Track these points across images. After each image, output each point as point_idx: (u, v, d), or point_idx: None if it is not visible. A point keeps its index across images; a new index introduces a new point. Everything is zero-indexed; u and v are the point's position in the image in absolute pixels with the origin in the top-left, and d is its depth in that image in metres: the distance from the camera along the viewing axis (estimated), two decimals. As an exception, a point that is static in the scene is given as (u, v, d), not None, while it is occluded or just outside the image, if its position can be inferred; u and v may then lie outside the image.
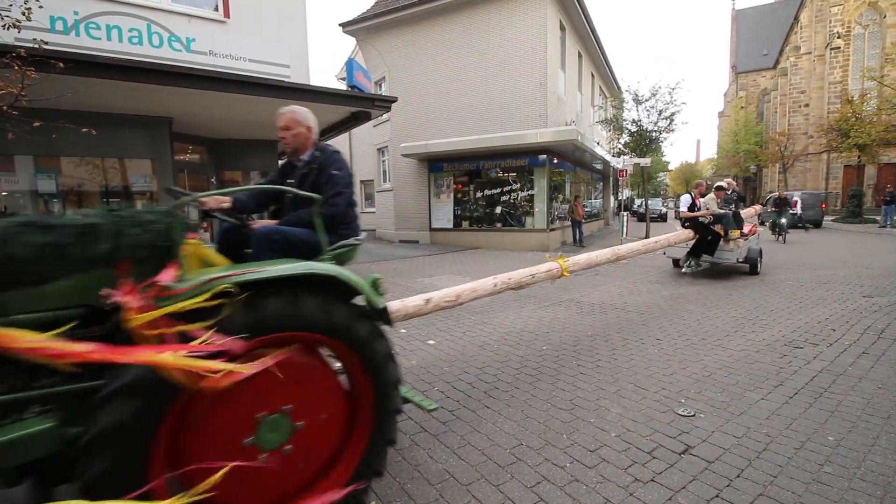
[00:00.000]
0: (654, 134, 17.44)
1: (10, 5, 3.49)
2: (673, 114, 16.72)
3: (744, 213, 9.91)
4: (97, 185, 7.64)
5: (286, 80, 6.69)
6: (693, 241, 8.19)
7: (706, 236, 8.06)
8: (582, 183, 19.64)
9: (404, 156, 15.86)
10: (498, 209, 14.91)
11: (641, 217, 23.53)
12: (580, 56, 18.50)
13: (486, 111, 14.75)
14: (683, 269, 8.49)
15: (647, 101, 16.73)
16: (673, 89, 16.44)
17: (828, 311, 5.94)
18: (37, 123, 3.59)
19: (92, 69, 5.05)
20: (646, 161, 16.39)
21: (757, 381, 3.73)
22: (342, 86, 15.50)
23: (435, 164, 15.92)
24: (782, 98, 36.53)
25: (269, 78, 6.49)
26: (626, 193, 18.91)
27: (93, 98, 6.22)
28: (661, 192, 61.42)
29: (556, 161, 14.65)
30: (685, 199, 8.45)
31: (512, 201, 14.67)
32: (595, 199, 23.32)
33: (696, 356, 4.37)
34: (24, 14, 3.46)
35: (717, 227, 8.20)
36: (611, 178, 24.18)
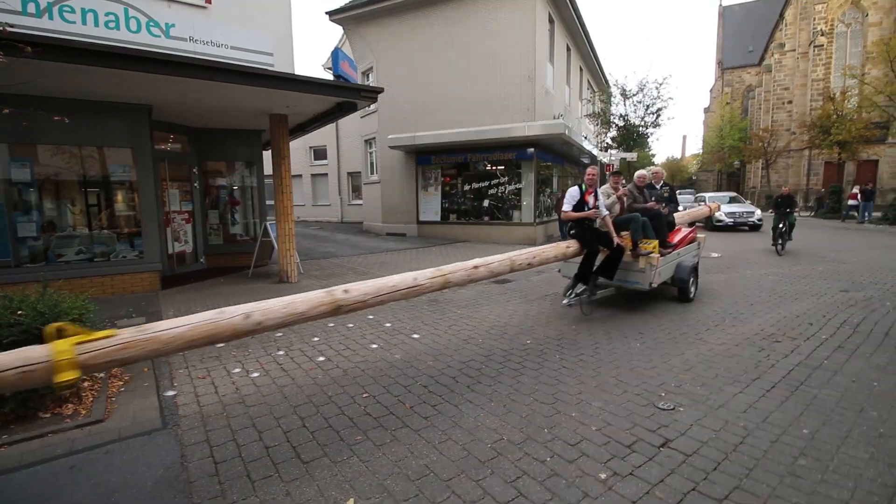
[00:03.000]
0: (641, 129, 17.56)
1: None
2: (660, 109, 16.85)
3: (688, 214, 8.15)
4: (75, 174, 7.41)
5: (269, 68, 6.54)
6: (582, 259, 5.52)
7: (594, 249, 5.41)
8: (569, 177, 19.70)
9: (392, 147, 15.71)
10: (486, 202, 14.88)
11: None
12: (569, 49, 18.45)
13: (475, 104, 14.65)
14: (566, 302, 5.69)
15: (634, 95, 16.81)
16: (660, 84, 16.55)
17: (806, 306, 6.07)
18: (6, 111, 3.43)
19: (65, 54, 4.85)
20: (632, 156, 16.51)
21: (735, 375, 3.79)
22: (329, 76, 15.25)
23: (423, 156, 15.80)
24: (766, 95, 37.02)
25: (252, 66, 6.33)
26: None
27: (68, 84, 6.00)
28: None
29: (543, 155, 14.64)
30: (572, 194, 5.54)
31: (499, 195, 14.65)
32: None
33: (677, 350, 4.43)
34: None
35: (621, 238, 5.70)
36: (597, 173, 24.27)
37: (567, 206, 5.57)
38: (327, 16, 16.79)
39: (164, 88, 6.25)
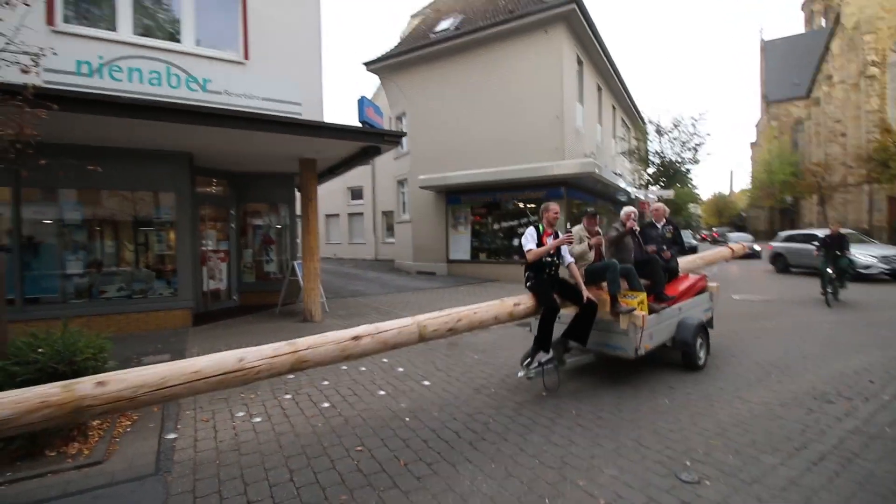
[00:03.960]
0: (678, 165, 17.08)
1: (32, 55, 3.70)
2: (697, 145, 16.37)
3: (702, 257, 6.82)
4: (121, 216, 7.94)
5: (297, 116, 6.89)
6: (539, 319, 4.39)
7: (552, 305, 4.24)
8: (603, 215, 19.27)
9: (423, 188, 16.01)
10: (515, 241, 14.70)
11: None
12: (599, 89, 18.50)
13: (504, 144, 14.81)
14: (522, 375, 4.41)
15: (669, 132, 16.47)
16: (696, 121, 16.16)
17: (868, 360, 5.41)
18: (43, 161, 3.73)
19: (108, 109, 5.30)
20: (668, 193, 15.97)
21: (776, 442, 3.34)
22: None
23: (453, 195, 15.97)
24: (817, 128, 35.41)
25: (281, 115, 6.70)
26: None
27: (116, 135, 6.53)
28: (693, 224, 59.80)
29: (575, 193, 14.43)
30: (530, 233, 4.45)
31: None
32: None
33: (710, 409, 4.00)
34: (32, 60, 3.65)
35: (593, 289, 4.61)
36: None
37: (532, 245, 4.36)
38: (364, 66, 17.77)
39: (203, 137, 6.68)
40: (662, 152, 17.26)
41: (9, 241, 6.69)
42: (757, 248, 21.34)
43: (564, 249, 4.56)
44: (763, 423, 3.69)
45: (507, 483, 2.84)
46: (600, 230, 5.09)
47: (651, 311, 4.58)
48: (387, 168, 21.40)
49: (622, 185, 16.74)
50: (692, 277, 5.78)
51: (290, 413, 4.07)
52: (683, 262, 6.29)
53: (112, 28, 6.97)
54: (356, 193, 26.72)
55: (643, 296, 4.52)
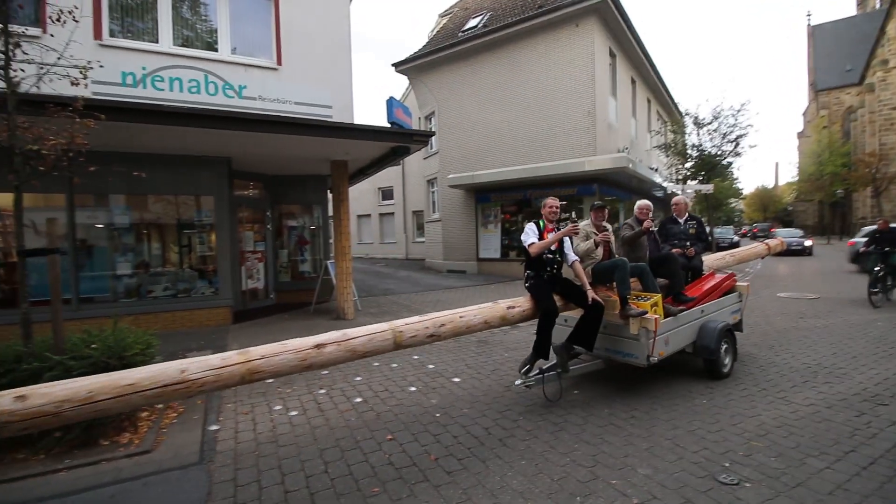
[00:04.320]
0: (718, 158, 16.41)
1: (81, 68, 3.96)
2: (739, 137, 15.68)
3: (736, 254, 6.27)
4: (166, 219, 8.37)
5: (328, 119, 7.06)
6: (538, 323, 4.08)
7: (550, 308, 3.94)
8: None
9: (452, 187, 16.05)
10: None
11: (709, 246, 22.00)
12: (633, 82, 18.01)
13: (534, 141, 14.65)
14: (519, 383, 4.17)
15: (708, 124, 15.85)
16: (738, 111, 15.47)
17: (926, 361, 5.05)
18: (92, 168, 3.98)
19: (152, 117, 5.61)
20: (708, 188, 15.37)
21: (823, 445, 3.17)
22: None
23: (482, 194, 15.93)
24: (871, 116, 33.18)
25: (312, 118, 6.88)
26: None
27: (158, 142, 6.88)
28: (735, 220, 57.26)
29: (608, 189, 14.11)
30: (531, 229, 4.23)
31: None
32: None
33: (752, 410, 3.84)
34: (81, 72, 3.90)
35: (602, 290, 4.30)
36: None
37: (534, 239, 4.12)
38: (393, 67, 17.97)
39: (239, 142, 6.96)
40: (701, 145, 16.61)
41: (64, 244, 7.17)
42: (808, 243, 20.53)
43: (568, 247, 4.27)
44: (809, 425, 3.51)
45: (538, 480, 2.82)
46: (608, 225, 4.67)
47: (667, 314, 4.24)
48: (416, 168, 21.59)
49: (658, 180, 16.24)
50: (718, 276, 5.31)
51: (324, 408, 4.19)
52: (711, 259, 5.90)
53: (154, 40, 7.35)
54: (387, 194, 27.07)
55: (658, 297, 4.17)
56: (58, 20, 3.95)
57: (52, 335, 3.85)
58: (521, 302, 3.99)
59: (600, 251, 4.50)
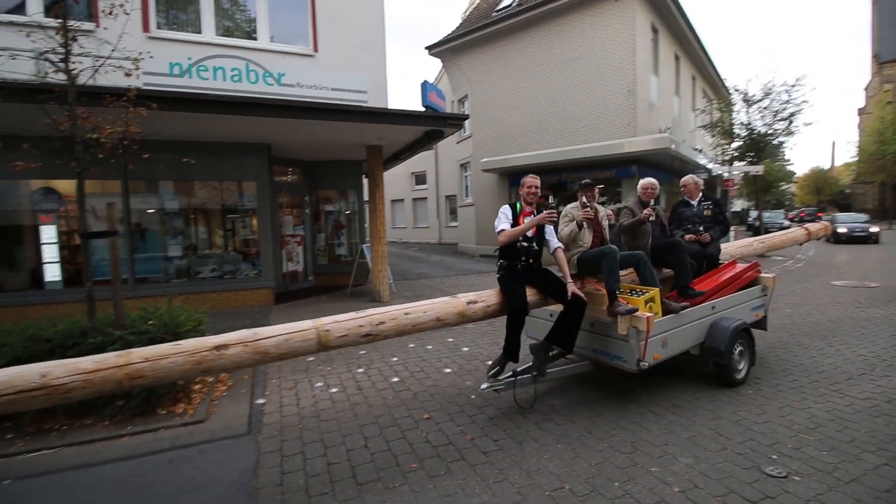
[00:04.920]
0: (769, 138, 15.43)
1: (133, 60, 4.15)
2: (792, 114, 14.67)
3: (766, 241, 5.64)
4: (211, 204, 8.74)
5: (363, 104, 7.12)
6: (507, 321, 3.57)
7: (520, 304, 3.45)
8: (680, 194, 18.01)
9: (485, 171, 15.89)
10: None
11: (758, 231, 20.87)
12: (677, 58, 17.10)
13: (570, 122, 14.25)
14: (485, 387, 3.63)
15: (759, 101, 14.89)
16: (791, 87, 14.45)
17: None
18: (146, 155, 4.19)
19: (199, 106, 5.83)
20: (757, 169, 14.53)
21: (881, 441, 3.01)
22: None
23: (516, 178, 15.67)
24: (947, 88, 30.17)
25: (348, 104, 6.95)
26: (737, 205, 16.91)
27: (205, 130, 7.14)
28: (786, 203, 53.98)
29: (648, 171, 13.60)
30: (504, 213, 3.75)
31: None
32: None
33: (803, 402, 3.67)
34: (133, 64, 4.09)
35: (591, 282, 3.92)
36: (718, 189, 21.88)
37: (506, 224, 3.64)
38: (426, 50, 17.80)
39: (279, 128, 7.13)
40: (750, 124, 15.65)
41: (121, 227, 7.63)
42: (874, 229, 19.36)
43: (550, 232, 3.76)
44: (865, 419, 3.33)
45: (575, 464, 2.82)
46: (599, 206, 4.10)
47: (668, 311, 3.71)
48: (449, 152, 21.48)
49: (702, 161, 15.50)
50: (739, 266, 4.65)
51: (362, 386, 4.32)
52: (735, 246, 5.29)
53: (197, 31, 7.59)
54: (420, 178, 27.13)
55: (654, 292, 3.62)
56: (110, 13, 4.12)
57: (113, 312, 4.14)
58: (486, 296, 3.50)
59: (588, 237, 3.91)
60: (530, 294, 3.57)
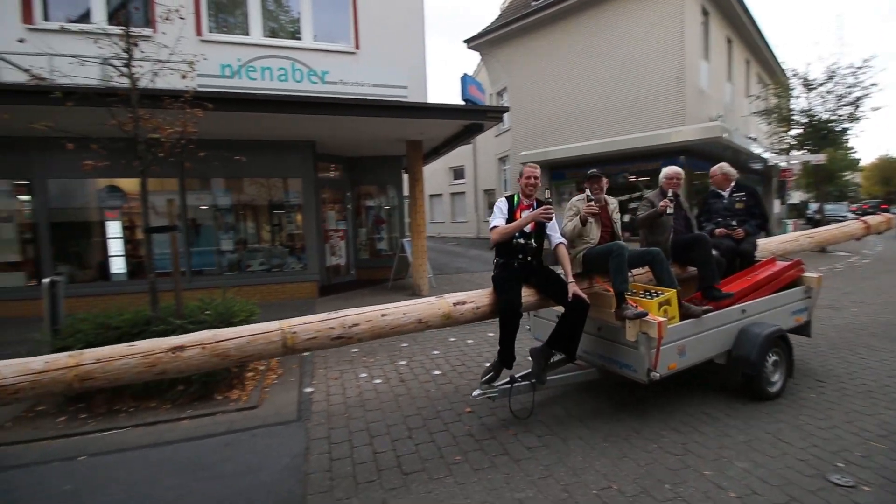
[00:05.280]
0: (831, 125, 14.35)
1: (189, 63, 4.37)
2: (858, 98, 13.56)
3: (815, 235, 5.09)
4: (260, 200, 9.11)
5: (403, 100, 7.18)
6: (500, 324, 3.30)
7: (511, 305, 3.15)
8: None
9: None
10: (625, 217, 13.75)
11: (818, 224, 19.50)
12: (729, 42, 16.18)
13: (613, 112, 13.80)
14: (477, 394, 3.38)
15: (821, 85, 13.86)
16: (858, 69, 13.34)
17: None
18: (202, 154, 4.41)
19: (251, 105, 6.08)
20: (818, 158, 13.56)
21: (968, 453, 2.75)
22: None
23: (556, 171, 15.36)
24: None
25: (389, 99, 7.04)
26: (795, 197, 15.88)
27: (253, 128, 7.43)
28: (850, 194, 50.13)
29: (697, 163, 12.98)
30: (498, 208, 3.49)
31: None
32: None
33: (872, 408, 3.42)
34: (189, 66, 4.30)
35: (599, 281, 3.56)
36: (774, 180, 20.58)
37: (501, 221, 3.39)
38: (465, 44, 17.70)
39: (323, 125, 7.32)
40: (811, 110, 14.60)
41: (178, 223, 8.08)
42: None
43: (552, 226, 3.42)
44: (949, 429, 3.06)
45: (622, 464, 2.76)
46: (608, 198, 3.77)
47: (687, 316, 3.31)
48: (488, 146, 21.33)
49: (757, 150, 14.62)
50: (779, 264, 4.17)
51: (405, 378, 4.40)
52: (777, 242, 4.78)
53: (245, 33, 7.89)
54: (458, 173, 27.12)
55: (671, 294, 3.27)
56: (166, 19, 4.35)
57: (173, 302, 4.40)
58: (476, 296, 3.22)
59: (596, 233, 3.59)
60: (529, 294, 3.30)
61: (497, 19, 17.91)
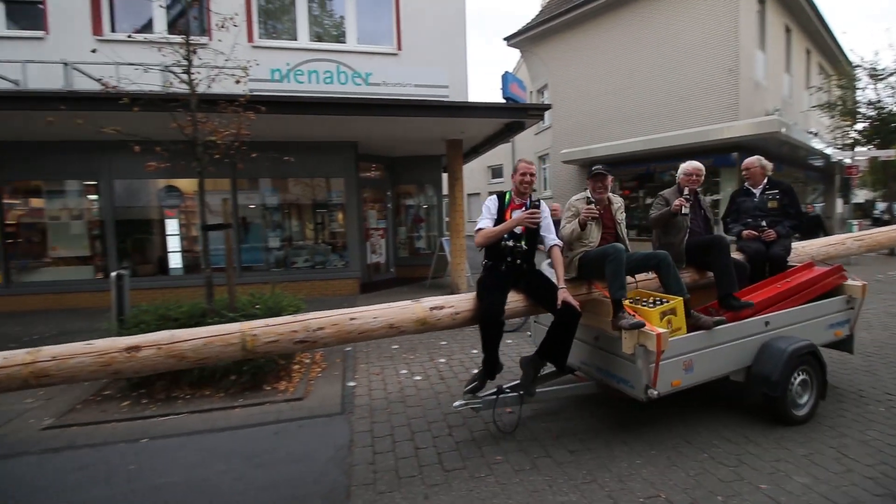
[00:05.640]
0: (905, 117, 13.25)
1: (243, 68, 4.60)
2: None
3: (834, 241, 4.45)
4: (304, 199, 9.43)
5: (445, 99, 7.23)
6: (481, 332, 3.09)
7: (492, 311, 2.93)
8: (791, 184, 16.06)
9: (565, 162, 15.40)
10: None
11: (885, 225, 18.02)
12: (788, 30, 15.20)
13: (660, 108, 13.31)
14: (460, 404, 3.18)
15: (890, 75, 12.80)
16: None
17: None
18: (254, 155, 4.63)
19: (302, 108, 6.36)
20: (888, 153, 12.54)
21: None
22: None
23: (598, 169, 15.03)
24: None
25: (430, 99, 7.11)
26: (860, 195, 14.77)
27: (299, 129, 7.70)
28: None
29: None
30: (486, 207, 3.26)
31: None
32: (815, 203, 18.78)
33: (954, 425, 3.13)
34: (243, 71, 4.51)
35: (598, 287, 3.27)
36: (836, 178, 19.18)
37: (487, 222, 3.18)
38: (504, 41, 17.57)
39: (365, 126, 7.49)
40: (879, 101, 13.50)
41: (231, 221, 8.50)
42: None
43: (547, 226, 3.21)
44: None
45: (671, 472, 2.66)
46: (616, 197, 3.50)
47: (696, 327, 3.00)
48: (527, 144, 21.08)
49: (818, 146, 13.70)
50: (816, 270, 3.69)
51: (444, 375, 4.43)
52: (820, 245, 4.34)
53: (293, 38, 8.18)
54: (496, 172, 27.00)
55: (677, 302, 2.95)
56: (221, 27, 4.58)
57: (226, 296, 4.63)
58: (455, 301, 3.01)
59: (596, 235, 3.30)
60: (517, 300, 3.08)
61: (538, 15, 17.67)
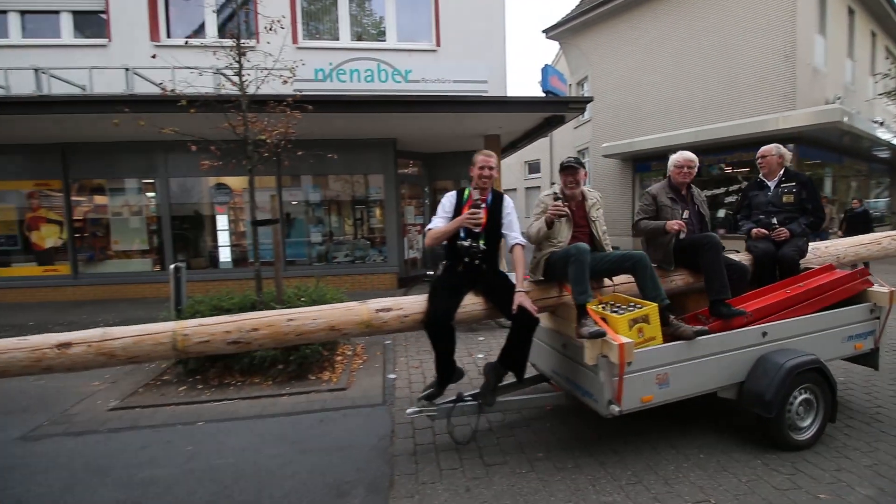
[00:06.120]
0: None
1: (290, 69, 4.76)
2: None
3: (857, 243, 3.94)
4: (345, 196, 9.67)
5: (484, 94, 7.20)
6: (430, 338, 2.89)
7: (441, 315, 2.74)
8: (851, 177, 14.98)
9: (606, 156, 15.00)
10: (721, 212, 12.65)
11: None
12: (851, 12, 14.11)
13: (709, 98, 12.71)
14: (413, 411, 3.03)
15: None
16: None
17: None
18: (300, 153, 4.79)
19: (347, 107, 6.54)
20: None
21: None
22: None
23: (641, 163, 14.55)
24: None
25: (469, 95, 7.10)
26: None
27: (341, 127, 7.89)
28: None
29: (810, 151, 11.56)
30: (442, 205, 3.06)
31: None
32: (879, 197, 17.45)
33: None
34: (290, 72, 4.66)
35: (568, 290, 2.92)
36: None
37: (438, 221, 2.97)
38: (543, 34, 17.26)
39: (404, 122, 7.59)
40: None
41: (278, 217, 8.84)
42: None
43: (509, 224, 3.01)
44: None
45: (721, 477, 2.57)
46: (590, 191, 3.22)
47: (675, 337, 2.72)
48: (565, 139, 20.67)
49: (884, 136, 12.70)
50: (836, 273, 3.28)
51: (482, 371, 4.43)
52: (847, 245, 3.90)
53: (335, 38, 8.37)
54: (533, 167, 26.64)
55: (651, 308, 2.66)
56: (269, 30, 4.74)
57: (273, 288, 4.83)
58: (405, 303, 2.83)
59: (566, 233, 3.02)
60: (475, 303, 2.87)
61: (578, 6, 17.23)
